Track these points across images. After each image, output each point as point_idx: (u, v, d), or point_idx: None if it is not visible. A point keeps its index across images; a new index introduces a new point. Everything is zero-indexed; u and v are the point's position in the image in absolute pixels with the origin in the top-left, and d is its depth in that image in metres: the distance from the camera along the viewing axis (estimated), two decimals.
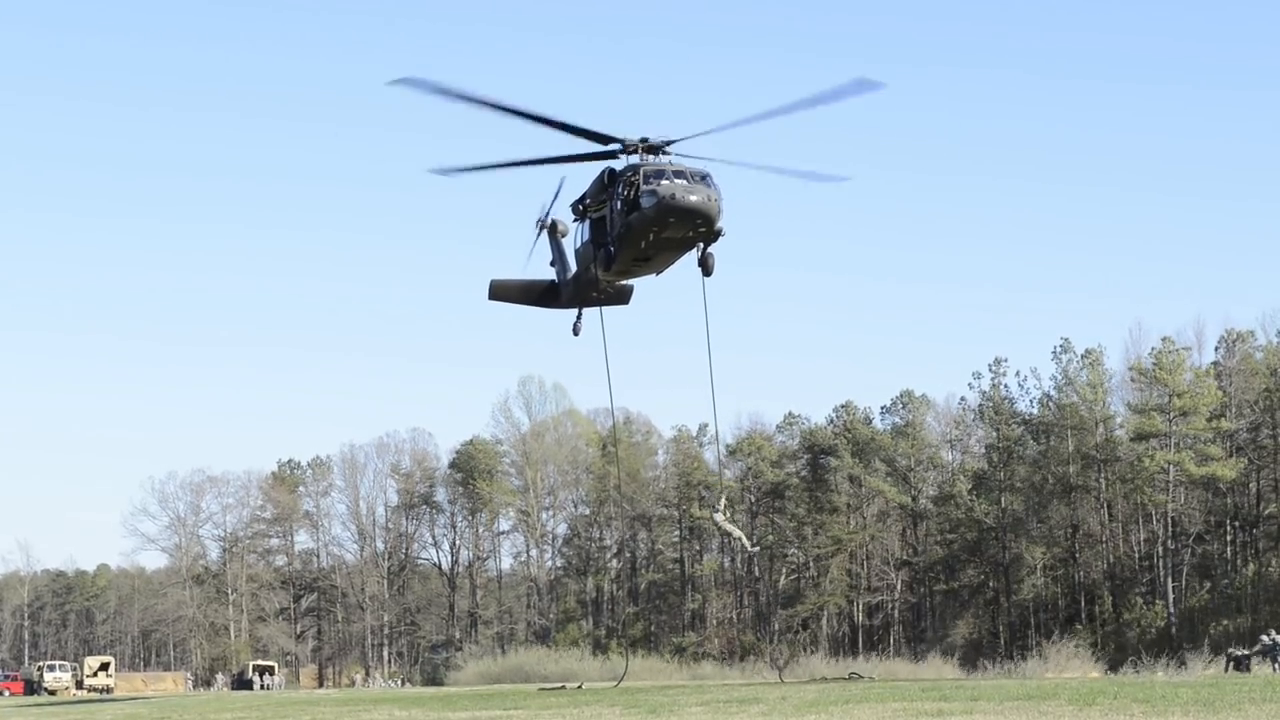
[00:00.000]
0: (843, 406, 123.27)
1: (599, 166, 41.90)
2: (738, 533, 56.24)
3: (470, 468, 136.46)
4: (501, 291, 48.85)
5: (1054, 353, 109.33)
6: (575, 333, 47.15)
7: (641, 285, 45.17)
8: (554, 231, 47.82)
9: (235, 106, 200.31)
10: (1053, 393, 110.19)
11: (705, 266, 40.91)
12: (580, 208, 43.54)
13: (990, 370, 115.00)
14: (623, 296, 47.15)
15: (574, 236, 44.69)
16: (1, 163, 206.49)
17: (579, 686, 52.65)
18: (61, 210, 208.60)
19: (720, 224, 39.23)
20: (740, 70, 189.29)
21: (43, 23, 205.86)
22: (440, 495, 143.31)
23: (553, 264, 48.10)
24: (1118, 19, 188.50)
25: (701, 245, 40.36)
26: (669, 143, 40.22)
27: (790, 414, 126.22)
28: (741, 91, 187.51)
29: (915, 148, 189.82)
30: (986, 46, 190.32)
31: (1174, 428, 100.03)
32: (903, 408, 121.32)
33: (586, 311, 47.03)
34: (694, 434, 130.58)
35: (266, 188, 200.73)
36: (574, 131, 40.50)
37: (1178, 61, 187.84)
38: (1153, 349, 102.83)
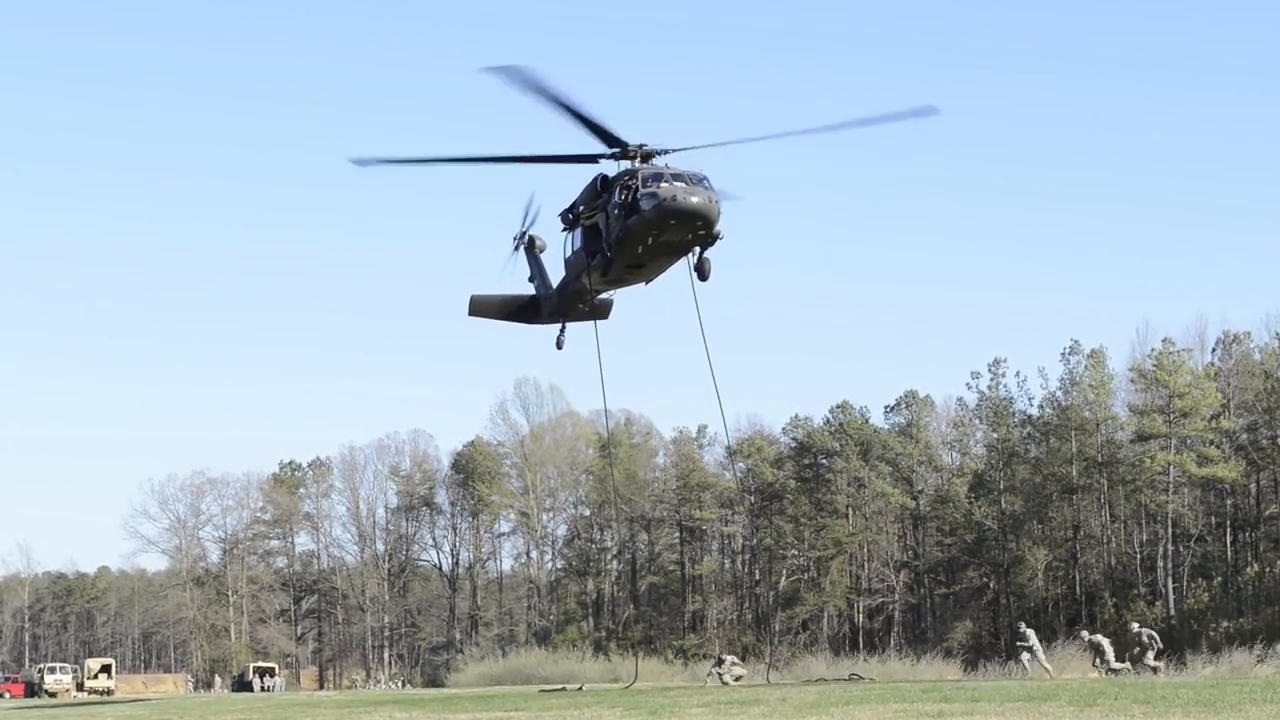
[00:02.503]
0: (838, 407, 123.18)
1: (577, 169, 41.66)
2: None
3: (470, 469, 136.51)
4: (481, 307, 48.46)
5: (1063, 354, 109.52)
6: (559, 346, 46.93)
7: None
8: (532, 247, 47.64)
9: (235, 106, 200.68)
10: (1060, 394, 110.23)
11: (701, 271, 40.68)
12: (570, 216, 43.25)
13: (990, 370, 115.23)
14: (603, 311, 46.79)
15: (564, 246, 44.35)
16: (1, 163, 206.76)
17: (580, 688, 52.65)
18: (62, 210, 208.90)
19: (719, 227, 39.11)
20: (732, 71, 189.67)
21: (43, 23, 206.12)
22: (440, 497, 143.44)
23: (531, 280, 47.94)
24: (1119, 19, 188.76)
25: (698, 250, 40.21)
26: (659, 152, 40.03)
27: (796, 416, 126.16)
28: (734, 93, 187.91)
29: (918, 147, 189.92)
30: (989, 47, 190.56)
31: (1174, 429, 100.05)
32: (905, 408, 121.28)
33: (572, 325, 46.75)
34: (694, 435, 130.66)
35: (266, 188, 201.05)
36: (552, 160, 40.47)
37: (1181, 62, 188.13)
38: (1153, 350, 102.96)
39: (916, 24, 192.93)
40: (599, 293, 44.51)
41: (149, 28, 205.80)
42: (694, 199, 38.34)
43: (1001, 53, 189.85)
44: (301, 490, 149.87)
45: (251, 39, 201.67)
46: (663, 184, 38.44)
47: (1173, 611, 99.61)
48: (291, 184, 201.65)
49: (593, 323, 46.48)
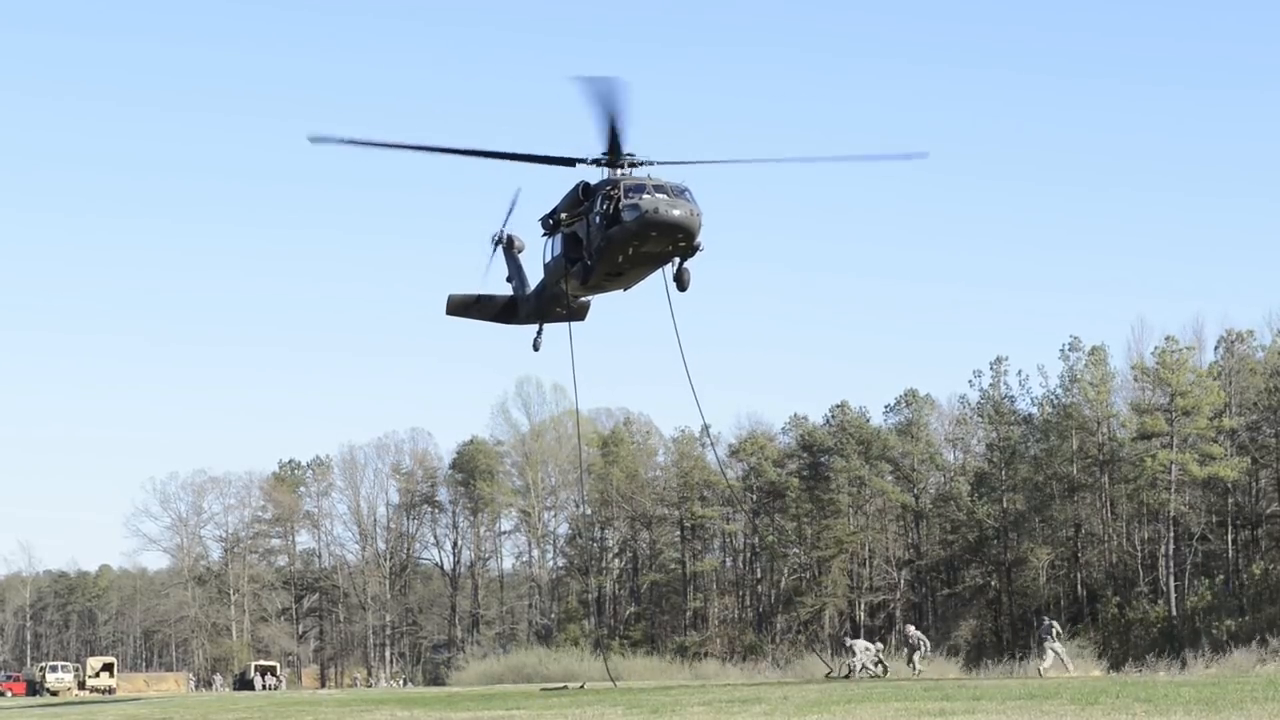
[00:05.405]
0: (838, 406, 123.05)
1: (557, 170, 41.49)
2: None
3: (471, 468, 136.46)
4: (459, 306, 48.11)
5: (1062, 350, 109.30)
6: (535, 348, 46.74)
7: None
8: (510, 247, 47.52)
9: (234, 106, 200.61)
10: (1059, 391, 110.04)
11: (680, 282, 40.90)
12: (551, 222, 43.16)
13: (991, 369, 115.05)
14: (580, 313, 46.54)
15: (543, 250, 44.25)
16: (1, 163, 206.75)
17: (581, 686, 52.66)
18: (61, 210, 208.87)
19: (700, 239, 39.30)
20: (727, 72, 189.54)
21: (43, 23, 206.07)
22: (442, 495, 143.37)
23: (509, 279, 47.75)
24: (1118, 19, 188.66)
25: (677, 260, 40.35)
26: (642, 163, 39.96)
27: (797, 415, 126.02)
28: (729, 93, 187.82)
29: (918, 146, 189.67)
30: (989, 46, 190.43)
31: (1176, 427, 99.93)
32: (906, 407, 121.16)
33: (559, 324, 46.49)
34: (695, 435, 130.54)
35: (265, 188, 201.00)
36: (533, 160, 40.30)
37: (1180, 61, 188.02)
38: (1155, 348, 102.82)
39: (918, 22, 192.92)
40: (577, 298, 44.57)
41: (148, 28, 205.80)
42: (676, 212, 38.54)
43: (1001, 52, 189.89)
44: (302, 489, 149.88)
45: (249, 38, 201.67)
46: (645, 196, 38.58)
47: (1174, 610, 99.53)
48: (292, 183, 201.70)
49: (568, 326, 46.10)
